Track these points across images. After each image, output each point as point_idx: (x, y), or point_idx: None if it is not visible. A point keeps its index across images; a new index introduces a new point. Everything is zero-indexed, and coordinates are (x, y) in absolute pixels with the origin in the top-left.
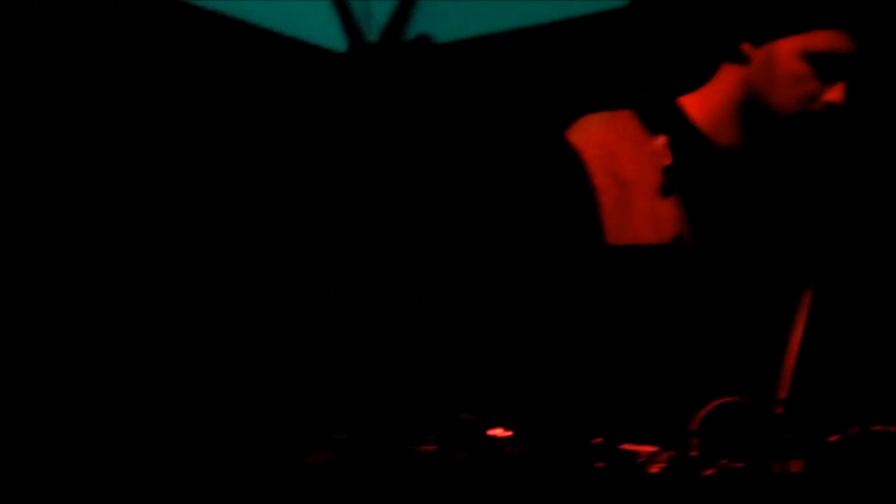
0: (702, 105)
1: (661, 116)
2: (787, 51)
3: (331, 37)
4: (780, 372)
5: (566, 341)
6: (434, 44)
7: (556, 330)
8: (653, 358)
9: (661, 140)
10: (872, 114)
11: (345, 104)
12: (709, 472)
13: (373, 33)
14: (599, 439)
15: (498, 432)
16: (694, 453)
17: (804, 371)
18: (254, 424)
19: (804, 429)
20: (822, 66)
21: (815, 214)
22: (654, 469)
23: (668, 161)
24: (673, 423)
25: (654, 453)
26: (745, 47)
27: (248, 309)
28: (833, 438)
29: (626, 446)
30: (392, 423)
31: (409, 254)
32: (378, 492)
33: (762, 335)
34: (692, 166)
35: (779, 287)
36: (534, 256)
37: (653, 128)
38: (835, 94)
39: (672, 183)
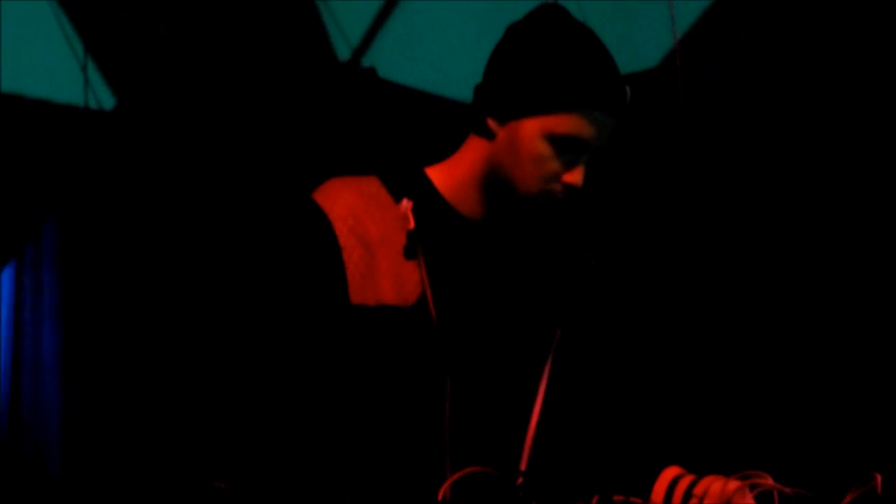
0: (446, 176)
1: (407, 183)
2: (531, 131)
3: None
4: (522, 442)
5: (310, 402)
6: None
7: (299, 389)
8: (398, 421)
9: (404, 205)
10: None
11: None
12: None
13: None
14: None
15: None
16: None
17: (546, 439)
18: None
19: (547, 497)
20: (563, 148)
21: (555, 286)
22: None
23: (411, 225)
24: (420, 490)
25: None
26: (491, 123)
27: None
28: None
29: None
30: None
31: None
32: None
33: (506, 402)
34: (436, 232)
35: (521, 354)
36: (279, 316)
37: (397, 193)
38: (574, 176)
39: (415, 246)
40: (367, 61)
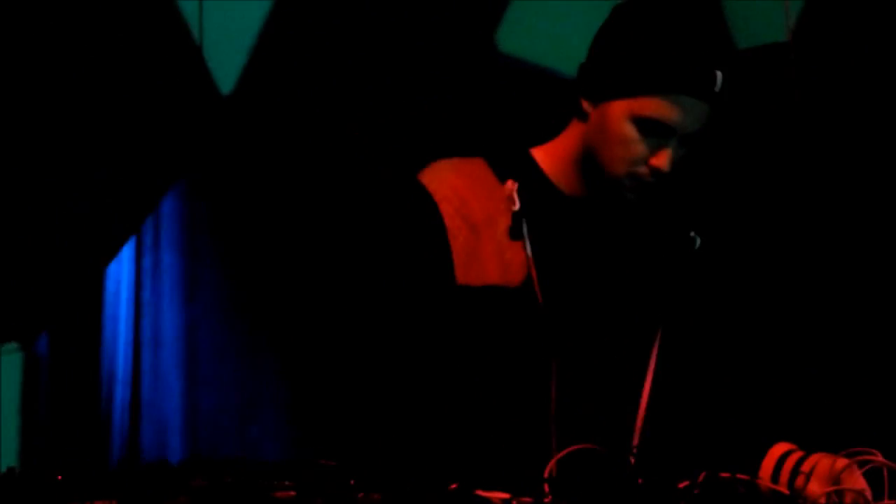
0: (550, 156)
1: (512, 164)
2: (618, 113)
3: None
4: (633, 420)
5: (418, 383)
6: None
7: (407, 370)
8: (504, 402)
9: (510, 186)
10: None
11: None
12: None
13: None
14: (454, 485)
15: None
16: (548, 500)
17: (655, 418)
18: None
19: (655, 475)
20: (649, 131)
21: (660, 266)
22: None
23: (516, 206)
24: (527, 470)
25: (507, 500)
26: (585, 104)
27: None
28: (682, 485)
29: (482, 493)
30: (249, 470)
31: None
32: None
33: (613, 382)
34: (541, 213)
35: (628, 336)
36: (387, 297)
37: (503, 174)
38: (660, 160)
39: (520, 227)
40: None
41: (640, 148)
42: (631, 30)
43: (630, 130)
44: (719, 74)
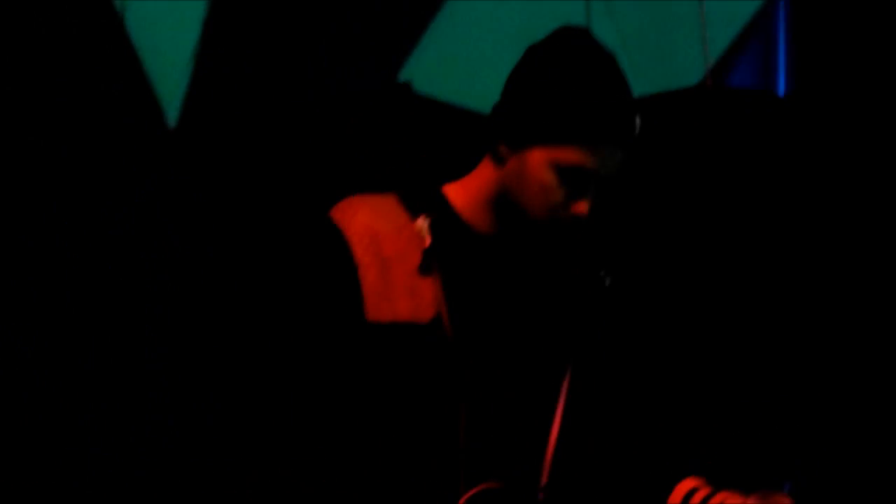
0: (462, 193)
1: (424, 201)
2: (538, 160)
3: None
4: (541, 458)
5: (326, 422)
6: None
7: (314, 409)
8: (412, 440)
9: (420, 222)
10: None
11: None
12: None
13: None
14: None
15: None
16: None
17: (564, 457)
18: None
19: None
20: (569, 178)
21: (570, 304)
22: None
23: (426, 243)
24: None
25: None
26: (502, 149)
27: None
28: None
29: None
30: None
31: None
32: None
33: (522, 420)
34: (452, 250)
35: (538, 373)
36: (295, 334)
37: (415, 211)
38: (581, 206)
39: (431, 264)
40: (404, 75)
41: (560, 193)
42: (552, 78)
43: (551, 178)
44: (638, 121)
